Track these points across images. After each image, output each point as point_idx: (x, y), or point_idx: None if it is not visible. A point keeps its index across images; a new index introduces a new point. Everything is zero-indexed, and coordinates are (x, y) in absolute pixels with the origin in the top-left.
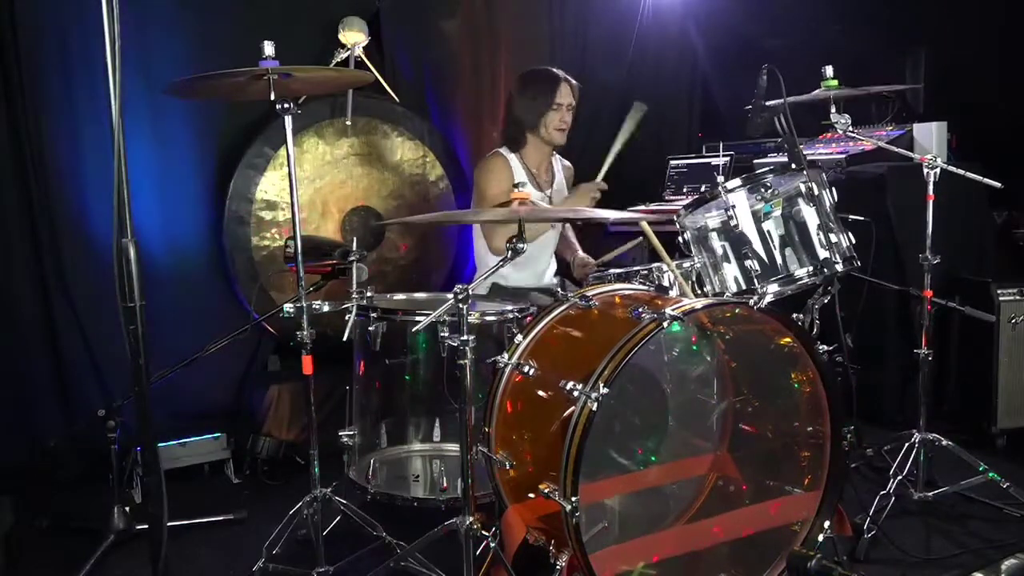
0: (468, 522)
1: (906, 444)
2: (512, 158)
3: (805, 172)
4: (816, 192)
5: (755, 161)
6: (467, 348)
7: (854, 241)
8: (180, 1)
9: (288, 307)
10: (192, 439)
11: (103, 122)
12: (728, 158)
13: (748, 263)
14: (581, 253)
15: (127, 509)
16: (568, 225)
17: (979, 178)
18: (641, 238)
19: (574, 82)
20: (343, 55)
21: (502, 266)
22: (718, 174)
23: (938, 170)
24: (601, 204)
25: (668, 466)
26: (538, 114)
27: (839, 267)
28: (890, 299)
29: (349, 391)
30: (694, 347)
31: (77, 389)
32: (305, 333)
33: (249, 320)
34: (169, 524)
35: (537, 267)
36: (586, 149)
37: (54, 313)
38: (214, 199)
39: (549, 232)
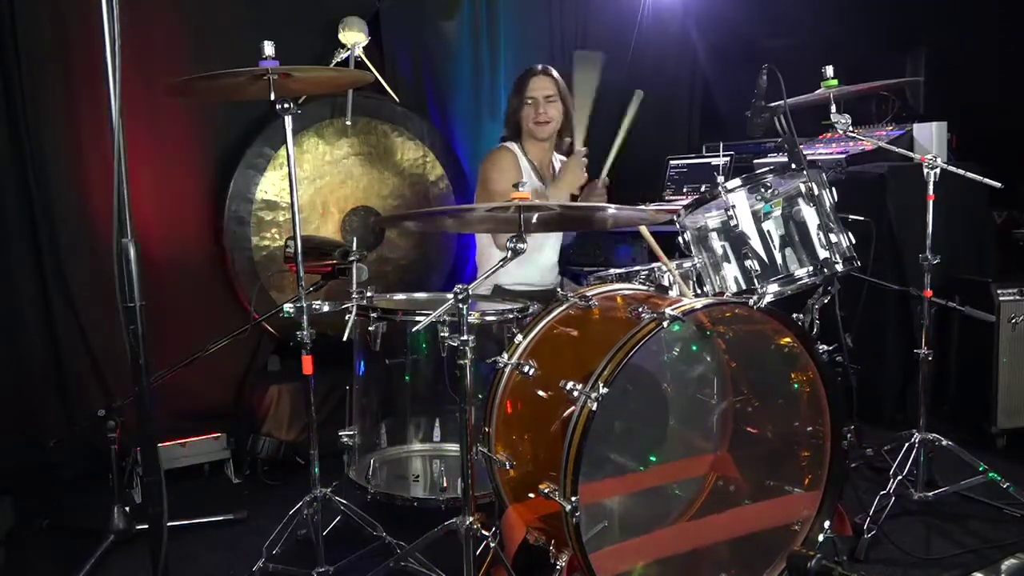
0: (468, 522)
1: (906, 444)
2: (518, 153)
3: (805, 172)
4: (816, 192)
5: (755, 161)
6: (467, 348)
7: (854, 241)
8: (180, 1)
9: (288, 307)
10: (192, 439)
11: (103, 122)
12: (728, 158)
13: (748, 263)
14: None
15: (127, 509)
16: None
17: (979, 178)
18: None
19: (554, 73)
20: (343, 55)
21: (502, 266)
22: (718, 174)
23: (938, 170)
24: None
25: (668, 466)
26: (518, 110)
27: (839, 267)
28: (890, 299)
29: (349, 391)
30: (694, 347)
31: (77, 389)
32: (305, 333)
33: (249, 320)
34: (169, 524)
35: (539, 264)
36: (586, 147)
37: (54, 313)
38: (214, 199)
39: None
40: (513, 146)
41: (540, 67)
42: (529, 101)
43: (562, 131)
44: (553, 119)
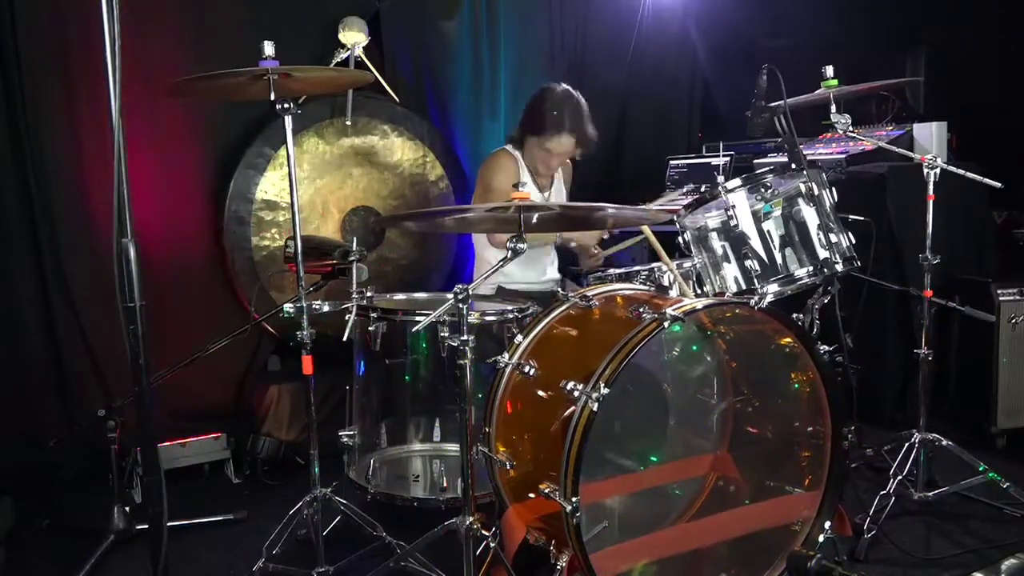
0: (468, 522)
1: (906, 444)
2: (518, 157)
3: (805, 172)
4: (816, 192)
5: (755, 161)
6: (467, 348)
7: (854, 241)
8: (180, 1)
9: (288, 307)
10: (192, 439)
11: (103, 122)
12: (728, 158)
13: (748, 263)
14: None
15: (127, 509)
16: None
17: (979, 178)
18: (642, 235)
19: (589, 135)
20: (343, 55)
21: (502, 266)
22: (718, 174)
23: (938, 170)
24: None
25: (668, 466)
26: (532, 143)
27: (839, 267)
28: (890, 299)
29: (349, 391)
30: (694, 347)
31: (77, 389)
32: (305, 333)
33: (249, 320)
34: (169, 524)
35: (538, 265)
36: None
37: (54, 313)
38: (214, 199)
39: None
40: (514, 151)
41: (571, 124)
42: (546, 150)
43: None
44: (558, 168)
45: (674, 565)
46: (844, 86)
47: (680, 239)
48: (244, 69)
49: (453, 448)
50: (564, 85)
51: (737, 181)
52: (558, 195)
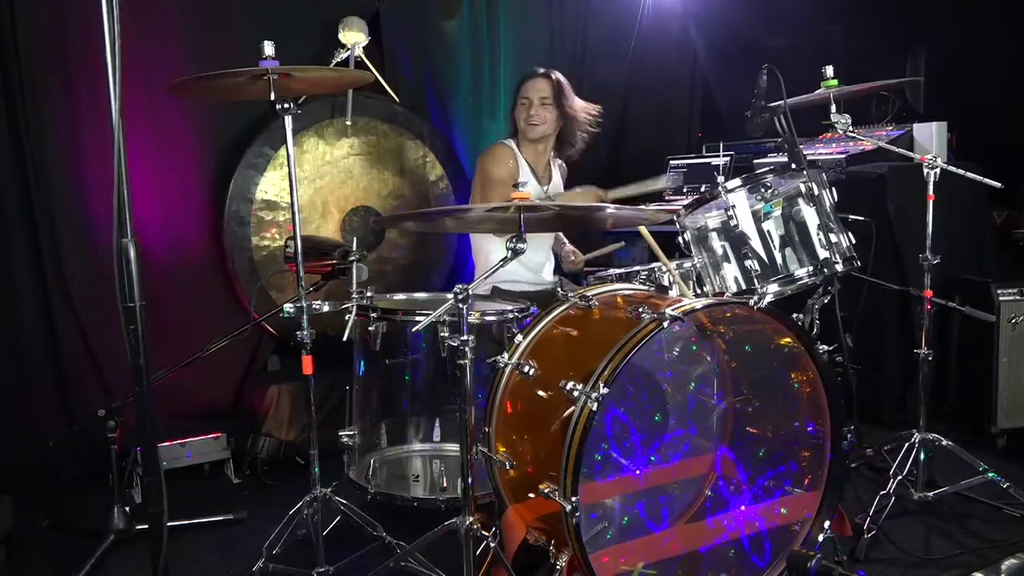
0: (468, 522)
1: (906, 444)
2: (515, 149)
3: (805, 172)
4: (816, 192)
5: (755, 161)
6: (467, 348)
7: (854, 241)
8: (180, 1)
9: (288, 307)
10: (192, 439)
11: (103, 122)
12: (728, 158)
13: (748, 263)
14: (569, 246)
15: (127, 509)
16: None
17: (979, 178)
18: (623, 242)
19: (555, 76)
20: (343, 55)
21: (502, 265)
22: (718, 174)
23: (938, 170)
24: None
25: (668, 466)
26: (513, 110)
27: (839, 267)
28: (890, 299)
29: (349, 391)
30: (694, 347)
31: (77, 389)
32: (305, 333)
33: (249, 320)
34: (169, 524)
35: (534, 265)
36: (586, 149)
37: (54, 313)
38: (214, 199)
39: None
40: (510, 142)
41: (541, 70)
42: (523, 102)
43: (563, 137)
44: (546, 121)
45: (674, 565)
46: (844, 86)
47: (680, 239)
48: (244, 69)
49: (453, 448)
50: None
51: (737, 181)
52: (557, 189)
